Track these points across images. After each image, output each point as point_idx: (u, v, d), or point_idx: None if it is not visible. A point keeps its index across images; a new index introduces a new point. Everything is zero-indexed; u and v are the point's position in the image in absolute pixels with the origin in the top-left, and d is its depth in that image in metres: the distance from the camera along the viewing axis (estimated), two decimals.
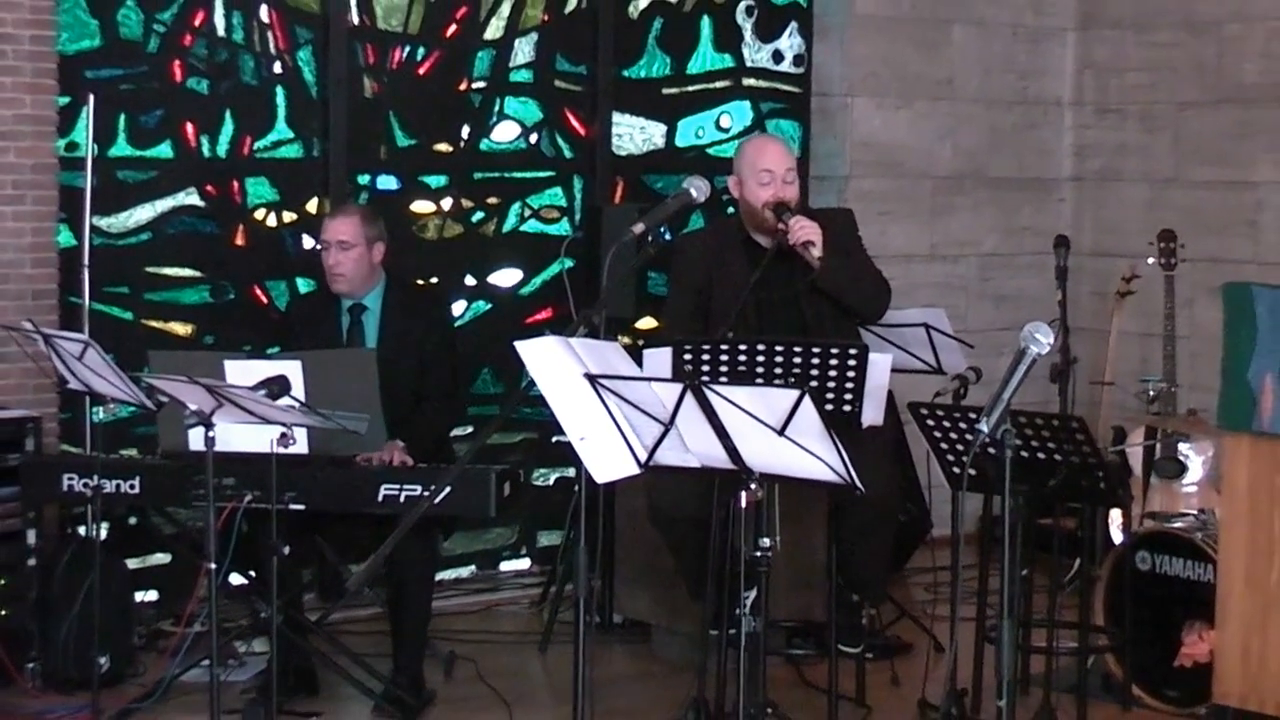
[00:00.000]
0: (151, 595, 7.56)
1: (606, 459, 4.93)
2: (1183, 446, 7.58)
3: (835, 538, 6.44)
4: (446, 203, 8.45)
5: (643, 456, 4.91)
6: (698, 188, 5.74)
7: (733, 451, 4.79)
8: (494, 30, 8.50)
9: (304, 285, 7.95)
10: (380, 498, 6.40)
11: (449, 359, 7.03)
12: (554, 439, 8.48)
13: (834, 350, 5.92)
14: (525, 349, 4.87)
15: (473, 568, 8.59)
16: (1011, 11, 9.80)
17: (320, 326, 6.95)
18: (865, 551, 6.55)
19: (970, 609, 6.79)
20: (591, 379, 4.78)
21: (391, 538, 5.00)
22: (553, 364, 4.85)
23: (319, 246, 6.97)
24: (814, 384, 5.87)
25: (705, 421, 4.72)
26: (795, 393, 4.60)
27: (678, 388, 4.73)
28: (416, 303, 7.09)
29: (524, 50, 8.59)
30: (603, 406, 4.82)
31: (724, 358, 5.93)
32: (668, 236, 7.80)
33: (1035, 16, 9.87)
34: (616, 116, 8.83)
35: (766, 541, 5.15)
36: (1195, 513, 6.96)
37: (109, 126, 7.54)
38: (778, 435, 4.64)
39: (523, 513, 8.51)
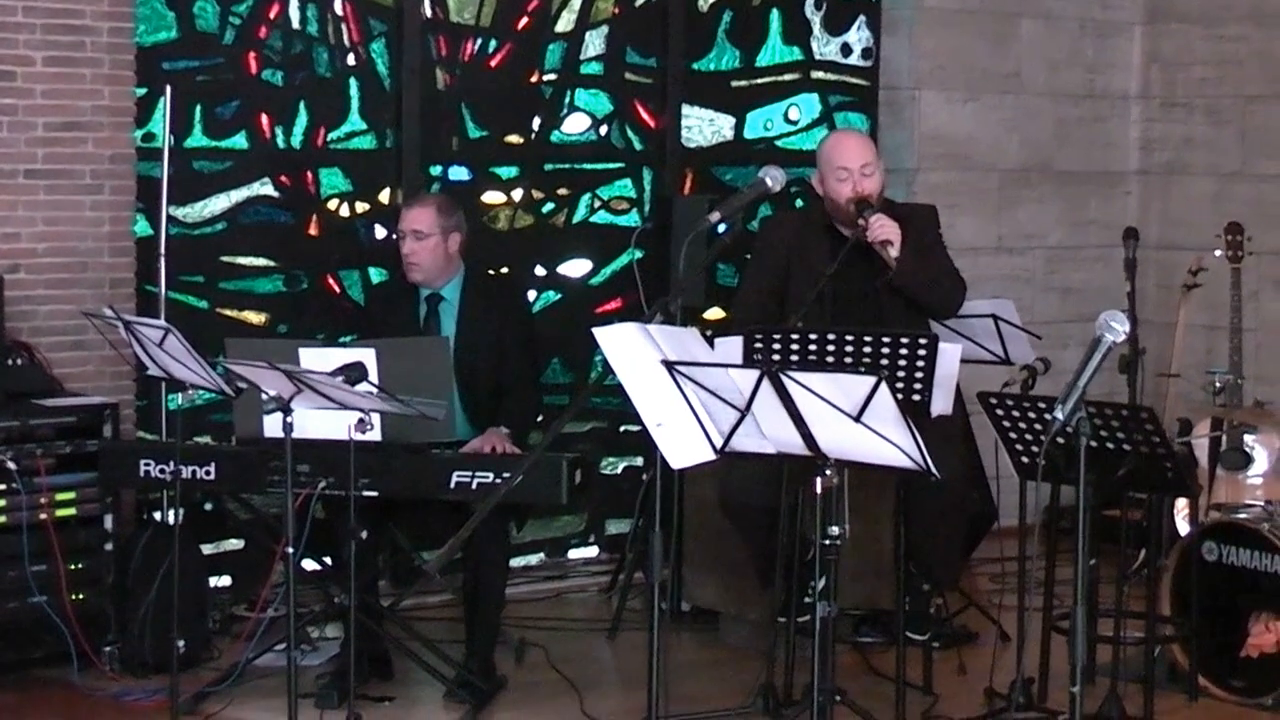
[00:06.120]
0: (225, 580, 7.64)
1: (683, 445, 4.96)
2: (1249, 438, 7.56)
3: (906, 526, 6.47)
4: (517, 194, 8.51)
5: (719, 443, 4.94)
6: (774, 177, 5.78)
7: (808, 438, 4.82)
8: (565, 23, 8.56)
9: (376, 275, 8.03)
10: (453, 484, 6.44)
11: (529, 347, 7.08)
12: (622, 428, 8.57)
13: (904, 340, 5.95)
14: (604, 335, 4.92)
15: (541, 555, 8.66)
16: (1079, 5, 9.80)
17: (396, 315, 6.99)
18: (938, 538, 6.60)
19: (1037, 599, 6.82)
20: (669, 365, 4.81)
21: (470, 522, 5.06)
22: (631, 351, 4.89)
23: (396, 235, 7.03)
24: (884, 373, 5.90)
25: (781, 408, 4.74)
26: (871, 379, 4.62)
27: (755, 374, 4.75)
28: (494, 293, 7.09)
29: (595, 43, 8.65)
30: (680, 393, 4.86)
31: (794, 346, 5.96)
32: (746, 225, 7.83)
33: (1103, 10, 9.88)
34: (686, 109, 8.89)
35: (835, 530, 5.13)
36: (1262, 504, 6.96)
37: (185, 117, 7.62)
38: (854, 422, 4.68)
39: (591, 501, 8.55)
